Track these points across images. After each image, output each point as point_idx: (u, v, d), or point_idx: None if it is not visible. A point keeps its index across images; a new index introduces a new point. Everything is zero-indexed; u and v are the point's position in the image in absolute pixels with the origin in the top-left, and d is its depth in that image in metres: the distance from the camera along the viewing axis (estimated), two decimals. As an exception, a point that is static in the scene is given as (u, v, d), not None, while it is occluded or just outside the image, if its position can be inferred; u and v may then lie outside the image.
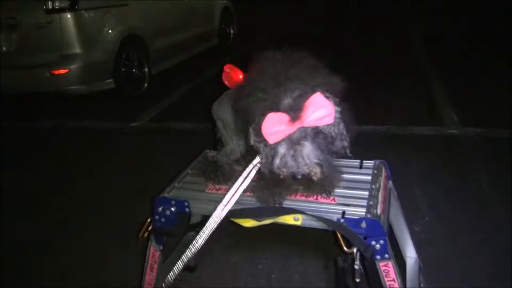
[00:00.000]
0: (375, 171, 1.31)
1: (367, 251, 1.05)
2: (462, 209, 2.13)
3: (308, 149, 0.97)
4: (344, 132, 1.06)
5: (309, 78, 1.04)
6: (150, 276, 1.42)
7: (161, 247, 1.39)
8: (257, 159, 1.05)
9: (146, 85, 4.55)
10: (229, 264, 1.93)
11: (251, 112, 1.04)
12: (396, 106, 3.61)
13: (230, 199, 1.06)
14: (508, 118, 3.13)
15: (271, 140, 0.97)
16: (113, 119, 3.91)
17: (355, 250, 1.05)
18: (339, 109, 1.02)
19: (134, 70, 4.39)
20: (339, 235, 1.07)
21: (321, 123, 0.98)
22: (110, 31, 4.04)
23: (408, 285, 1.42)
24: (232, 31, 7.00)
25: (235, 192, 1.04)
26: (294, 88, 0.99)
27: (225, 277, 1.86)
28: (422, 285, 1.54)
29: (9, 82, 3.91)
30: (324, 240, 1.77)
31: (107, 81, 4.05)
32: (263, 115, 0.97)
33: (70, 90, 3.86)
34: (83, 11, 3.82)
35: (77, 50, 3.78)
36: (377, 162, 1.36)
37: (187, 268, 1.88)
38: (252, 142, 1.05)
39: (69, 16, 3.72)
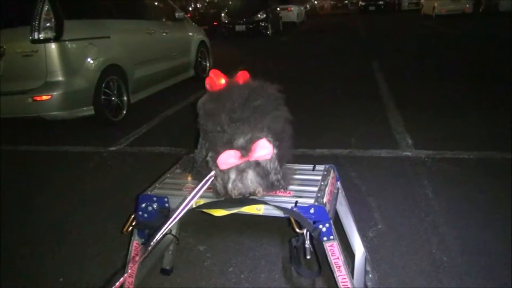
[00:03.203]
0: (325, 173, 1.57)
1: (315, 232, 1.29)
2: (409, 217, 2.42)
3: (251, 175, 1.29)
4: (278, 168, 1.36)
5: (258, 121, 1.34)
6: (132, 268, 1.61)
7: (143, 241, 1.58)
8: (212, 173, 1.33)
9: (124, 112, 4.76)
10: (202, 268, 2.13)
11: (211, 141, 1.35)
12: (357, 132, 3.96)
13: (189, 201, 1.30)
14: (453, 141, 3.54)
15: (223, 167, 1.28)
16: (92, 144, 4.08)
17: (305, 231, 1.30)
18: (276, 150, 1.32)
19: (113, 98, 4.60)
20: (292, 220, 1.31)
21: (261, 158, 1.30)
22: (92, 61, 4.28)
23: (355, 273, 1.67)
24: (208, 64, 7.37)
25: (193, 196, 1.31)
26: (247, 131, 1.29)
27: (199, 279, 2.05)
28: (370, 275, 1.79)
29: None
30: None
31: (87, 108, 4.25)
32: (221, 148, 1.28)
33: (52, 116, 4.03)
34: (67, 42, 4.05)
35: (60, 78, 3.98)
36: (327, 166, 1.63)
37: (163, 271, 2.08)
38: (210, 165, 1.35)
39: (53, 46, 3.95)
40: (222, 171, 1.30)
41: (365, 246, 1.80)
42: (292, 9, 18.66)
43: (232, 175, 1.29)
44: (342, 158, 3.37)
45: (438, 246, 2.13)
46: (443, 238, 2.19)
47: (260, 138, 1.27)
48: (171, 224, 1.29)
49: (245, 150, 1.27)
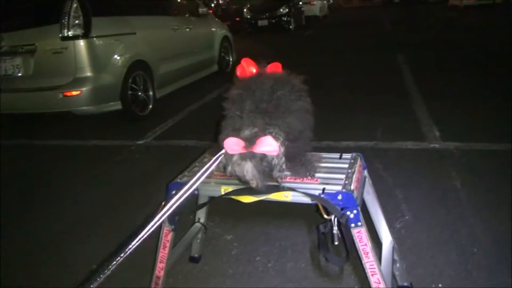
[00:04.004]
0: (352, 161, 1.57)
1: (343, 218, 1.30)
2: (437, 208, 2.39)
3: (249, 166, 1.30)
4: (283, 166, 1.36)
5: (274, 116, 1.36)
6: (163, 253, 1.66)
7: (173, 227, 1.63)
8: (223, 151, 1.34)
9: (151, 107, 4.85)
10: (230, 257, 2.16)
11: (226, 122, 1.37)
12: (383, 124, 3.92)
13: (197, 179, 1.31)
14: (481, 133, 3.47)
15: (229, 151, 1.31)
16: (120, 137, 4.19)
17: (333, 217, 1.31)
18: (283, 148, 1.32)
19: (140, 93, 4.70)
20: (320, 206, 1.32)
21: (267, 153, 1.31)
22: (119, 57, 4.37)
23: (383, 262, 1.66)
24: (231, 59, 7.41)
25: (201, 174, 1.31)
26: (257, 124, 1.32)
27: (226, 267, 2.09)
28: (397, 265, 1.78)
29: (24, 103, 4.23)
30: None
31: (115, 102, 4.35)
32: (231, 133, 1.30)
33: (82, 111, 4.15)
34: (95, 39, 4.16)
35: (89, 74, 4.09)
36: (354, 154, 1.63)
37: (191, 259, 2.13)
38: (220, 144, 1.36)
39: (82, 43, 4.06)
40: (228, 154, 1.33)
41: (393, 236, 1.79)
42: (314, 3, 18.50)
43: (234, 159, 1.31)
44: (368, 150, 3.34)
45: (467, 238, 2.10)
46: (472, 230, 2.16)
47: (265, 135, 1.28)
48: (183, 197, 1.28)
49: (249, 142, 1.28)
